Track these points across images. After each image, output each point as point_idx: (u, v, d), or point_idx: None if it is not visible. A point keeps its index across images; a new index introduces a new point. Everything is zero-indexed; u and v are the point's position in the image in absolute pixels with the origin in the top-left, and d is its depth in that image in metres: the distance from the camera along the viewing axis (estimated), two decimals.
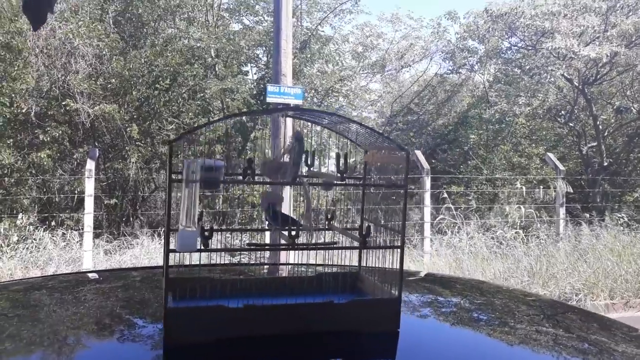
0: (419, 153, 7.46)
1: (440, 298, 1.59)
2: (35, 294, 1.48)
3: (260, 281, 1.26)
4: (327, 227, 1.25)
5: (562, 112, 11.46)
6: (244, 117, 9.24)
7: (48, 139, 7.92)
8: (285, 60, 5.48)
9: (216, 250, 1.14)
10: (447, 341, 1.18)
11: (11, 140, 8.15)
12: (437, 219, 7.77)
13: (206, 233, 1.08)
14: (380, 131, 14.22)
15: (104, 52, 8.28)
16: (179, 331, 1.03)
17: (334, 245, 1.23)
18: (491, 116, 11.55)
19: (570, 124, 11.09)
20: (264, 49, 9.79)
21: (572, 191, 7.95)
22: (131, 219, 8.69)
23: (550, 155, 7.83)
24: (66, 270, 6.02)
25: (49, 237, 6.59)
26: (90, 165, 6.11)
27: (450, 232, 7.52)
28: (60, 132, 7.99)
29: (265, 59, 9.90)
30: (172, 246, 1.05)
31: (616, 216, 8.28)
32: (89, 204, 6.18)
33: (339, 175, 1.16)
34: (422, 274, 2.08)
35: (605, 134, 11.05)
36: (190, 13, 9.46)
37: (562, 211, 7.51)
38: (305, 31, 10.26)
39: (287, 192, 4.35)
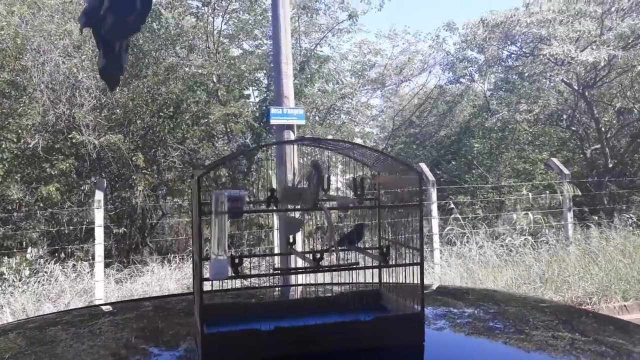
0: (423, 165, 7.49)
1: (455, 310, 1.62)
2: (51, 330, 1.51)
3: (287, 303, 1.31)
4: (346, 248, 1.30)
5: (564, 116, 11.49)
6: (247, 140, 9.32)
7: (55, 172, 8.02)
8: (286, 82, 5.55)
9: (247, 277, 1.19)
10: (470, 352, 1.22)
11: (19, 175, 8.25)
12: (446, 230, 7.77)
13: (236, 260, 1.13)
14: (384, 146, 14.37)
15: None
16: (216, 356, 1.07)
17: (356, 266, 1.28)
18: (493, 124, 11.59)
19: (573, 128, 11.12)
20: (265, 71, 9.92)
21: (580, 194, 7.95)
22: (140, 246, 8.73)
23: (555, 160, 7.84)
24: (79, 302, 6.05)
25: (60, 269, 6.64)
26: (99, 195, 6.18)
27: (459, 242, 7.52)
28: (67, 164, 8.08)
29: (266, 81, 10.02)
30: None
31: (624, 217, 8.26)
32: (99, 234, 6.23)
33: (355, 197, 1.21)
34: (434, 287, 2.11)
35: (608, 135, 11.06)
36: (190, 41, 9.61)
37: (569, 215, 7.49)
38: (304, 52, 10.39)
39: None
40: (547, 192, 8.69)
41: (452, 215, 8.00)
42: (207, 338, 1.07)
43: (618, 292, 6.05)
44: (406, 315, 1.20)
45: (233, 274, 1.13)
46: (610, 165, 10.50)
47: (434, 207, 7.21)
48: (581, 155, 11.68)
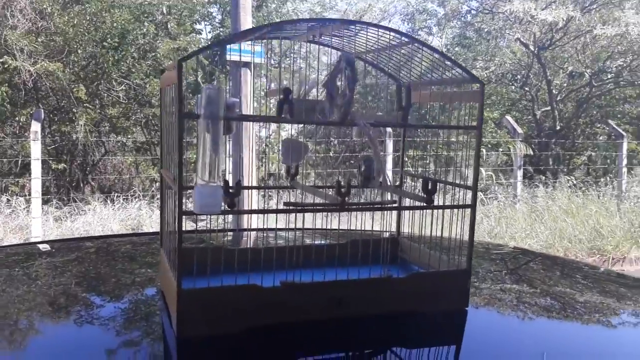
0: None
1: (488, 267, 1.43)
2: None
3: (294, 251, 1.02)
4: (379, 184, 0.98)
5: (517, 76, 11.60)
6: (198, 78, 8.84)
7: None
8: (244, 16, 5.20)
9: (245, 212, 0.94)
10: (516, 319, 1.02)
11: None
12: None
13: (231, 190, 0.83)
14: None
15: (44, 6, 7.68)
16: (196, 319, 0.81)
17: (394, 206, 1.01)
18: None
19: (526, 89, 11.26)
20: (218, 6, 9.36)
21: (532, 153, 8.08)
22: (81, 184, 8.27)
23: (509, 118, 7.91)
24: (14, 239, 5.67)
25: None
26: (36, 127, 5.69)
27: None
28: (0, 92, 7.41)
29: (219, 16, 9.49)
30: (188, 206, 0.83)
31: (567, 178, 8.52)
32: (36, 168, 5.78)
33: (399, 113, 0.92)
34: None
35: (558, 98, 11.28)
36: None
37: (519, 173, 7.63)
38: None
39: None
40: (500, 150, 8.82)
41: (405, 169, 7.97)
42: (185, 295, 0.80)
43: (560, 250, 6.26)
44: (449, 272, 0.97)
45: (227, 208, 0.83)
46: (558, 128, 10.76)
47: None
48: (529, 117, 11.90)
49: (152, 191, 7.41)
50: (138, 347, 0.85)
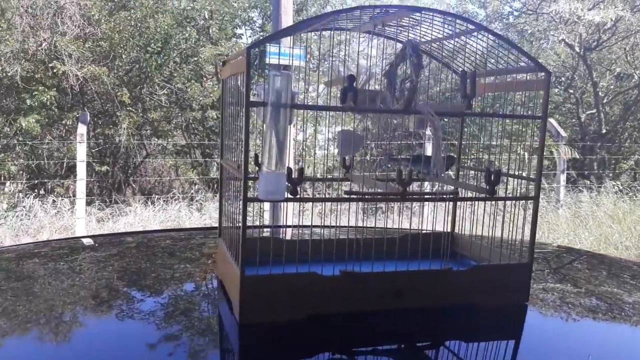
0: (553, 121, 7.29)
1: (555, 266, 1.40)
2: (29, 263, 1.31)
3: (354, 244, 1.03)
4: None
5: (562, 78, 11.29)
6: (238, 82, 8.93)
7: (36, 103, 7.63)
8: (285, 18, 5.24)
9: (307, 200, 0.92)
10: (575, 317, 1.00)
11: None
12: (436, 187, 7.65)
13: (294, 177, 0.85)
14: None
15: (92, 13, 7.94)
16: (257, 306, 0.83)
17: (456, 197, 1.00)
18: None
19: (570, 91, 10.95)
20: (259, 10, 9.47)
21: (577, 157, 7.85)
22: (123, 186, 8.49)
23: (552, 121, 7.69)
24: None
25: (39, 205, 6.40)
26: (82, 129, 5.88)
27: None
28: (49, 96, 7.69)
29: (260, 21, 9.59)
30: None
31: (612, 183, 8.22)
32: (81, 169, 5.96)
33: (465, 102, 0.90)
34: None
35: (604, 101, 10.92)
36: None
37: (562, 177, 7.42)
38: None
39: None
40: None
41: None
42: (247, 282, 0.83)
43: None
44: (511, 266, 0.96)
45: (290, 195, 0.85)
46: (603, 132, 10.42)
47: None
48: (574, 120, 11.56)
49: (191, 193, 7.54)
50: (201, 334, 0.87)
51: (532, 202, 0.99)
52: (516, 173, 1.00)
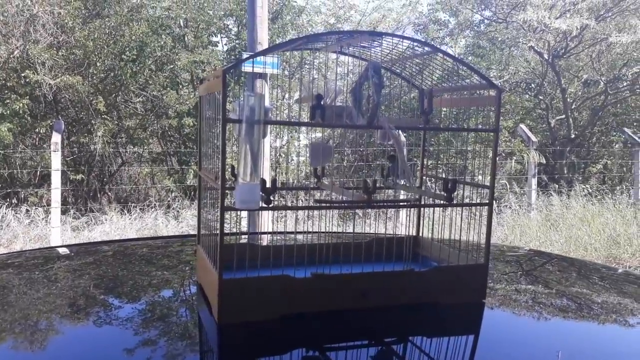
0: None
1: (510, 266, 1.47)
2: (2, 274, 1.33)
3: (317, 248, 1.10)
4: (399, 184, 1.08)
5: (532, 85, 11.56)
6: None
7: (8, 112, 7.53)
8: (260, 27, 5.29)
9: (280, 209, 1.00)
10: (532, 314, 1.07)
11: None
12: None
13: (268, 187, 0.91)
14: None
15: (65, 21, 7.88)
16: (236, 307, 0.90)
17: (417, 203, 1.09)
18: None
19: (540, 97, 11.22)
20: (234, 18, 9.50)
21: (544, 162, 8.05)
22: (98, 194, 8.41)
23: (523, 126, 7.90)
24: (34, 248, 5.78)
25: (12, 214, 6.32)
26: (56, 138, 5.83)
27: None
28: (21, 104, 7.60)
29: (235, 29, 9.61)
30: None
31: (582, 187, 8.45)
32: (56, 178, 5.91)
33: (422, 117, 0.98)
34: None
35: (573, 107, 11.22)
36: None
37: (534, 182, 7.61)
38: (277, 1, 9.99)
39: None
40: (513, 158, 8.79)
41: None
42: (226, 285, 0.88)
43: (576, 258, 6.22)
44: (468, 267, 1.04)
45: (265, 204, 0.91)
46: (572, 136, 10.70)
47: None
48: (544, 125, 11.84)
49: (168, 201, 7.52)
50: (181, 334, 0.92)
51: (487, 208, 1.06)
52: (475, 181, 1.09)
